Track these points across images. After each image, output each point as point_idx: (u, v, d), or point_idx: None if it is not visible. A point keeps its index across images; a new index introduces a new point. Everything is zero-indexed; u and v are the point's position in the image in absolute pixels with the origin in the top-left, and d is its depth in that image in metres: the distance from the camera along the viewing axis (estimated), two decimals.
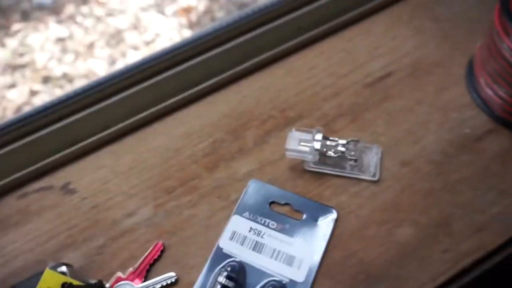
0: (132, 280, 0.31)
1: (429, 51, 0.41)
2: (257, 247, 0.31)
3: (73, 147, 0.38)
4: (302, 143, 0.34)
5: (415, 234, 0.30)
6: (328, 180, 0.34)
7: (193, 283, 0.31)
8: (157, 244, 0.33)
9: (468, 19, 0.44)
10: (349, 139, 0.34)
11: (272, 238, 0.31)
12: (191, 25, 1.09)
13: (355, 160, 0.33)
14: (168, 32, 1.07)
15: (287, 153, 0.34)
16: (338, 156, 0.34)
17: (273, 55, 0.43)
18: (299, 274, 0.30)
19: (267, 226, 0.32)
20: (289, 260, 0.30)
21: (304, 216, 0.32)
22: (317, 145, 0.33)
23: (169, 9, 1.13)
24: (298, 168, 0.35)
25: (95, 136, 0.39)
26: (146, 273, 0.32)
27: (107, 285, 0.31)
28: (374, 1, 0.46)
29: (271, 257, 0.31)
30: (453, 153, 0.34)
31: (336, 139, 0.34)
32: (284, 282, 0.29)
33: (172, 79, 0.42)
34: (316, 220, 0.32)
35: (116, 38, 1.02)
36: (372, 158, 0.34)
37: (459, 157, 0.34)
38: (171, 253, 0.32)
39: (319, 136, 0.34)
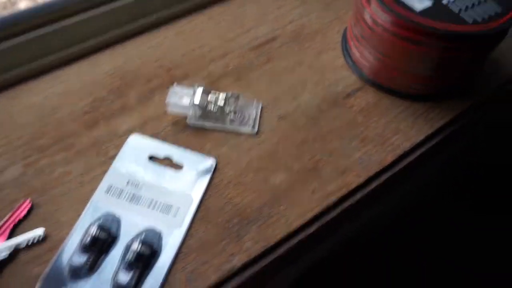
0: None
1: (311, 19, 0.44)
2: (134, 199, 0.31)
3: None
4: (184, 98, 0.34)
5: (288, 179, 0.32)
6: (210, 134, 0.35)
7: (64, 239, 0.29)
8: (23, 202, 0.30)
9: None
10: (229, 94, 0.35)
11: (150, 189, 0.31)
12: None
13: (235, 113, 0.34)
14: None
15: (168, 108, 0.34)
16: (219, 111, 0.34)
17: (162, 17, 0.42)
18: (175, 222, 0.30)
19: (146, 178, 0.32)
20: (166, 209, 0.30)
21: (184, 167, 0.32)
22: (197, 99, 0.33)
23: None
24: (181, 124, 0.35)
25: None
26: (10, 233, 0.29)
27: None
28: None
29: (148, 207, 0.30)
30: (326, 108, 0.37)
31: (217, 93, 0.35)
32: (159, 229, 0.29)
33: (53, 35, 0.39)
34: (195, 171, 0.32)
35: (8, 7, 0.93)
36: (252, 112, 0.35)
37: (331, 111, 0.36)
38: (41, 211, 0.30)
39: (199, 91, 0.34)
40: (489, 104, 0.40)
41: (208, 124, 0.35)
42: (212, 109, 0.34)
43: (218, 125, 0.35)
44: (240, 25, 0.43)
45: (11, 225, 0.29)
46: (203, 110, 0.34)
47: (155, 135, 0.34)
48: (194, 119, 0.35)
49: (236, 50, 0.41)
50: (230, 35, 0.42)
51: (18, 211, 0.30)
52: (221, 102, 0.34)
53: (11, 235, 0.29)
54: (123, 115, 0.35)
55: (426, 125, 0.36)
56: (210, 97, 0.34)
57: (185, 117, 0.35)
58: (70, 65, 0.39)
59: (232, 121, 0.35)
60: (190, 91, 0.34)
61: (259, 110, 0.36)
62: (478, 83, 0.40)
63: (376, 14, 0.35)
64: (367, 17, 0.36)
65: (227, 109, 0.34)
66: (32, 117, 0.35)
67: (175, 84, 0.34)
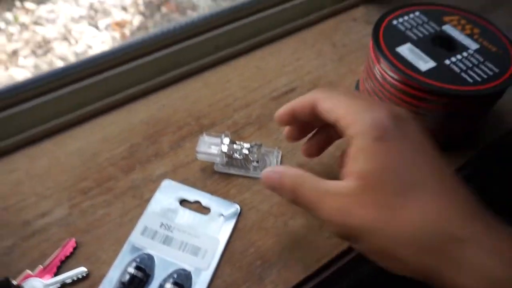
0: (41, 277, 0.32)
1: (327, 71, 0.48)
2: (167, 241, 0.34)
3: None
4: (211, 146, 0.38)
5: (306, 224, 0.35)
6: (234, 180, 0.38)
7: (104, 276, 0.32)
8: (69, 241, 0.34)
9: (361, 45, 0.52)
10: (253, 143, 0.38)
11: (181, 232, 0.35)
12: (124, 40, 1.10)
13: (257, 162, 0.38)
14: (100, 45, 1.07)
15: (198, 155, 0.38)
16: (243, 158, 0.38)
17: (191, 69, 0.47)
18: (203, 263, 0.33)
19: (177, 221, 0.35)
20: (195, 251, 0.34)
21: (211, 212, 0.36)
22: (224, 148, 0.37)
23: (102, 22, 1.13)
24: (209, 170, 0.39)
25: (9, 139, 0.40)
26: (57, 269, 0.33)
27: (14, 282, 0.31)
28: (284, 26, 0.52)
29: (179, 249, 0.34)
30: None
31: (242, 143, 0.38)
32: (189, 270, 0.32)
33: (93, 86, 0.44)
34: (222, 215, 0.36)
35: (43, 47, 1.00)
36: (273, 160, 0.39)
37: None
38: (84, 250, 0.34)
39: (226, 140, 0.38)
40: (494, 151, 0.43)
41: (233, 171, 0.38)
42: (237, 157, 0.38)
43: (242, 172, 0.38)
44: (262, 76, 0.47)
45: (58, 262, 0.33)
46: (229, 158, 0.38)
47: (185, 180, 0.38)
48: (221, 166, 0.38)
49: (258, 100, 0.45)
50: (252, 86, 0.46)
51: (64, 249, 0.34)
52: (245, 151, 0.38)
53: (57, 272, 0.33)
54: (157, 161, 0.39)
55: None
56: (236, 146, 0.38)
57: (213, 164, 0.39)
58: (109, 113, 0.43)
59: (255, 168, 0.38)
60: (218, 140, 0.38)
61: (280, 158, 0.39)
62: (483, 132, 0.43)
63: (385, 72, 0.39)
64: (377, 73, 0.40)
65: (250, 157, 0.38)
66: (76, 161, 0.39)
67: (204, 133, 0.38)
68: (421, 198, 0.23)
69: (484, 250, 0.22)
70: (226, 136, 0.38)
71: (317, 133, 0.34)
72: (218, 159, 0.38)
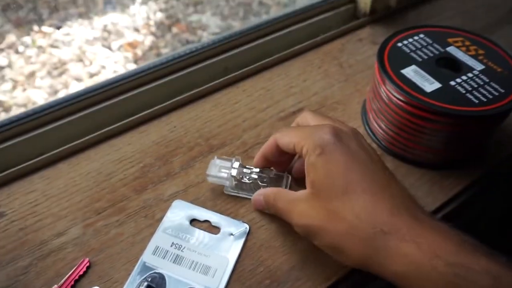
0: None
1: (334, 91, 0.49)
2: (178, 260, 0.35)
3: (4, 172, 0.40)
4: (222, 170, 0.39)
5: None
6: (243, 200, 0.39)
7: None
8: (83, 260, 0.35)
9: (367, 66, 0.53)
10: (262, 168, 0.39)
11: (191, 251, 0.35)
12: (136, 60, 1.13)
13: (267, 185, 0.38)
14: (113, 65, 1.10)
15: (208, 178, 0.39)
16: (252, 182, 0.39)
17: (202, 91, 0.48)
18: (213, 282, 0.34)
19: (187, 240, 0.36)
20: (205, 270, 0.34)
21: (221, 231, 0.37)
22: (234, 172, 0.38)
23: (115, 43, 1.17)
24: (218, 190, 0.40)
25: (28, 162, 0.41)
26: None
27: None
28: (291, 48, 0.54)
29: (190, 268, 0.34)
30: None
31: (252, 167, 0.39)
32: None
33: (107, 110, 0.46)
34: (231, 234, 0.36)
35: (59, 69, 1.03)
36: (282, 184, 0.39)
37: None
38: (97, 269, 0.35)
39: (236, 164, 0.38)
40: (502, 171, 0.43)
41: (242, 194, 0.39)
42: (246, 181, 0.39)
43: (251, 196, 0.39)
44: (270, 97, 0.48)
45: (72, 282, 0.34)
46: (239, 181, 0.39)
47: (195, 200, 0.39)
48: (230, 189, 0.39)
49: (266, 120, 0.46)
50: (261, 106, 0.47)
51: (78, 269, 0.35)
52: (254, 175, 0.38)
53: None
54: (168, 181, 0.40)
55: (441, 193, 0.39)
56: (245, 170, 0.39)
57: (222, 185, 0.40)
58: (123, 135, 0.45)
59: None
60: (229, 164, 0.39)
61: (289, 182, 0.40)
62: (490, 151, 0.43)
63: (390, 93, 0.39)
64: (382, 94, 0.41)
65: (259, 182, 0.38)
66: (91, 182, 0.41)
67: (216, 157, 0.39)
68: (353, 199, 0.29)
69: (404, 240, 0.27)
70: (236, 160, 0.39)
71: (299, 156, 0.38)
72: (227, 183, 0.38)
